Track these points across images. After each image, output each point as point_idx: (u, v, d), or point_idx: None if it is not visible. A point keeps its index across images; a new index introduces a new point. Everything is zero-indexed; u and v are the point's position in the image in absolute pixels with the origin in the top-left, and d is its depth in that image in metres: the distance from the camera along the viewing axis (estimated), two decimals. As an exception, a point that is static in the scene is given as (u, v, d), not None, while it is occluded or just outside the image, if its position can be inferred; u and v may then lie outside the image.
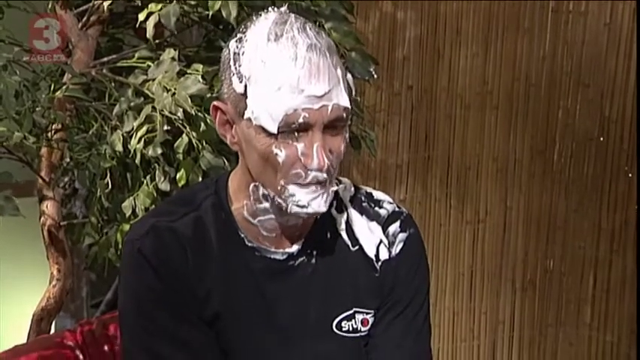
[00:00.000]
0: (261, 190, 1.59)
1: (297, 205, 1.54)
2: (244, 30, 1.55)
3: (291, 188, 1.53)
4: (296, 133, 1.50)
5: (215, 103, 1.59)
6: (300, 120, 1.48)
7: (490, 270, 3.79)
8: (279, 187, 1.54)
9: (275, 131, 1.49)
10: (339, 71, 1.53)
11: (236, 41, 1.55)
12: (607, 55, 3.62)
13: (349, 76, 2.42)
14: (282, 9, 1.56)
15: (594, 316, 3.80)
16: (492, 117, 3.71)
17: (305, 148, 1.50)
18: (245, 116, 1.52)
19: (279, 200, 1.55)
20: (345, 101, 1.52)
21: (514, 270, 3.81)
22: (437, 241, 3.75)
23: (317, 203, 1.54)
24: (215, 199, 1.65)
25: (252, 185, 1.60)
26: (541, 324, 3.83)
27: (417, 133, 3.68)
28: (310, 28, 1.53)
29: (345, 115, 1.52)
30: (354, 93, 2.47)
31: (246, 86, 1.52)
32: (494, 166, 3.74)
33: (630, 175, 3.65)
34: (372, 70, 2.49)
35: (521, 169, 3.75)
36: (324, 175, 1.52)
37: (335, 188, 1.57)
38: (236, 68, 1.53)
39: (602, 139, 3.67)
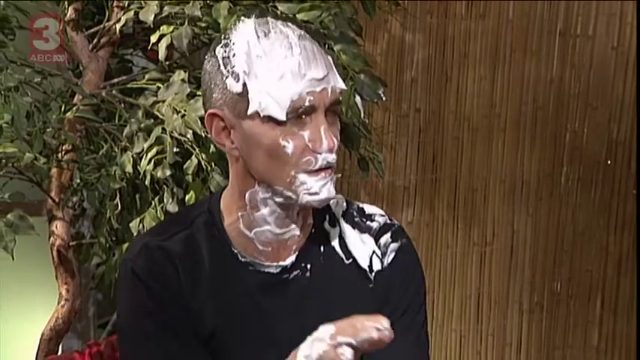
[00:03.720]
0: (260, 195, 1.60)
1: (309, 194, 1.55)
2: (227, 36, 1.59)
3: (302, 177, 1.55)
4: (303, 117, 1.53)
5: (211, 110, 1.59)
6: (307, 104, 1.52)
7: (497, 292, 3.79)
8: (288, 179, 1.55)
9: (284, 118, 1.51)
10: (329, 57, 1.59)
11: (222, 47, 1.58)
12: (614, 78, 3.63)
13: (358, 98, 2.45)
14: (255, 14, 1.61)
15: (601, 339, 3.79)
16: (500, 140, 3.72)
17: (311, 134, 1.53)
18: (249, 111, 1.54)
19: (289, 193, 1.56)
20: (341, 84, 1.58)
21: (521, 292, 3.81)
22: (444, 263, 3.75)
23: (327, 189, 1.56)
24: (208, 216, 1.66)
25: (248, 193, 1.61)
26: (548, 346, 3.82)
27: (424, 155, 3.68)
28: (291, 24, 1.59)
29: (340, 98, 1.58)
30: (362, 115, 2.49)
31: (244, 84, 1.54)
32: (501, 189, 3.74)
33: (638, 198, 3.66)
34: (380, 92, 2.50)
35: (529, 192, 3.75)
36: (334, 156, 1.55)
37: (338, 175, 1.60)
38: (229, 70, 1.55)
39: (609, 162, 3.68)
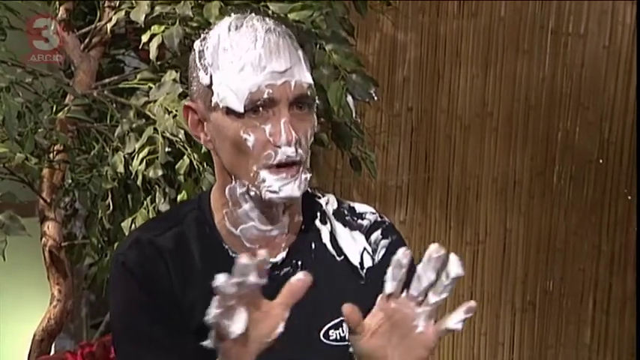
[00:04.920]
0: (238, 190, 1.60)
1: (269, 191, 1.55)
2: (207, 32, 1.61)
3: (262, 174, 1.55)
4: (264, 111, 1.53)
5: (186, 103, 1.62)
6: (265, 96, 1.52)
7: (490, 291, 3.79)
8: (251, 174, 1.55)
9: (241, 110, 1.52)
10: (299, 52, 1.58)
11: (200, 40, 1.61)
12: (606, 77, 3.64)
13: (349, 97, 2.45)
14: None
15: (594, 338, 3.80)
16: (492, 138, 3.73)
17: (272, 127, 1.53)
18: (212, 103, 1.55)
19: (254, 189, 1.57)
20: (307, 78, 1.56)
21: (514, 291, 3.81)
22: (436, 262, 3.75)
23: (289, 188, 1.55)
24: (198, 213, 1.67)
25: (227, 188, 1.61)
26: (541, 345, 3.83)
27: (416, 155, 3.69)
28: (269, 19, 1.59)
29: (309, 93, 1.56)
30: (354, 114, 2.49)
31: (211, 76, 1.56)
32: (493, 188, 3.75)
33: (630, 197, 3.66)
34: (372, 91, 2.50)
35: (521, 191, 3.76)
36: (292, 150, 1.53)
37: (309, 175, 1.58)
38: (201, 63, 1.58)
39: (601, 161, 3.69)
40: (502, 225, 3.78)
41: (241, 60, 1.53)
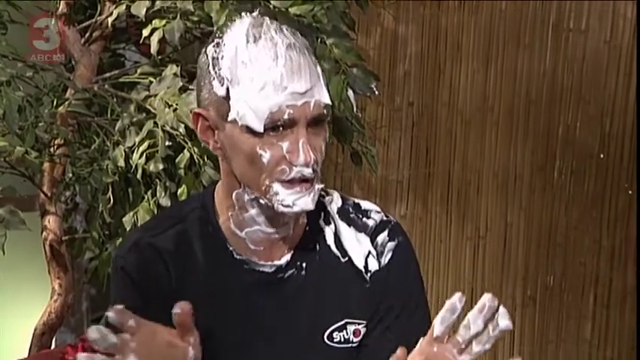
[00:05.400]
0: (246, 196, 1.59)
1: (283, 205, 1.54)
2: (221, 35, 1.57)
3: (275, 187, 1.53)
4: (281, 130, 1.51)
5: (196, 110, 1.59)
6: (285, 117, 1.50)
7: (490, 286, 3.79)
8: (263, 187, 1.54)
9: (261, 130, 1.50)
10: (318, 69, 1.56)
11: (214, 46, 1.56)
12: (607, 72, 3.64)
13: (350, 92, 2.45)
14: (254, 13, 1.58)
15: (594, 333, 3.80)
16: (493, 133, 3.72)
17: (290, 145, 1.51)
18: (229, 118, 1.53)
19: (265, 200, 1.56)
20: (326, 98, 1.54)
21: (514, 286, 3.81)
22: (437, 257, 3.75)
23: (303, 202, 1.54)
24: (202, 212, 1.66)
25: (235, 193, 1.60)
26: (541, 340, 3.83)
27: (417, 149, 3.69)
28: (286, 29, 1.56)
29: (325, 112, 1.54)
30: (355, 109, 2.49)
31: (228, 89, 1.53)
32: (494, 182, 3.75)
33: (630, 191, 3.66)
34: (373, 86, 2.50)
35: (522, 185, 3.76)
36: (310, 171, 1.52)
37: (321, 186, 1.57)
38: (216, 72, 1.54)
39: (602, 155, 3.68)
40: (503, 220, 3.78)
41: (262, 78, 1.50)
